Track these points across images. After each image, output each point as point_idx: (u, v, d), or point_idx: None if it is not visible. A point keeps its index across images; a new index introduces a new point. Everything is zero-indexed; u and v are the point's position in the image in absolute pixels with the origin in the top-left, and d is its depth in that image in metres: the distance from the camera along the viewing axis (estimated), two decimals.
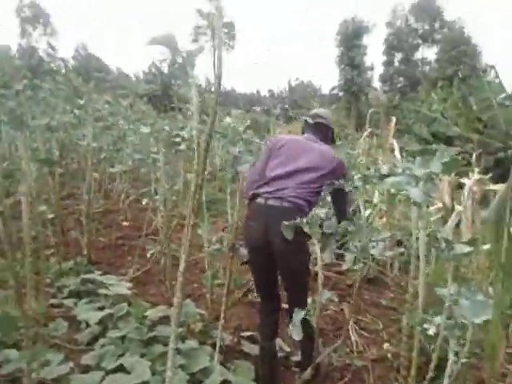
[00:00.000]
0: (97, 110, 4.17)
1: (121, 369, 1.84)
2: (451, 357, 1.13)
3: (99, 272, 3.17)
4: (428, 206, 1.62)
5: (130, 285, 2.79)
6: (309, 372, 1.97)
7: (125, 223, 4.79)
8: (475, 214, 3.19)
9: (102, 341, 2.08)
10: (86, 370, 1.95)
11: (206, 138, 1.26)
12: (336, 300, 2.58)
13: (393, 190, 2.19)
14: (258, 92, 56.30)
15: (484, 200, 3.87)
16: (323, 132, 2.34)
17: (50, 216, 3.17)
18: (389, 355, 2.59)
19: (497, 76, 9.96)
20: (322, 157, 2.14)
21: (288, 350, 2.50)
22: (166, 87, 26.63)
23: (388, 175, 1.49)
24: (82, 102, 3.28)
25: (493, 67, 10.54)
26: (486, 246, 2.67)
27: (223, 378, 1.84)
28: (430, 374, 1.44)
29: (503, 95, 9.92)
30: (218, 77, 1.20)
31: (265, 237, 1.97)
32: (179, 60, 1.38)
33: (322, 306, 2.08)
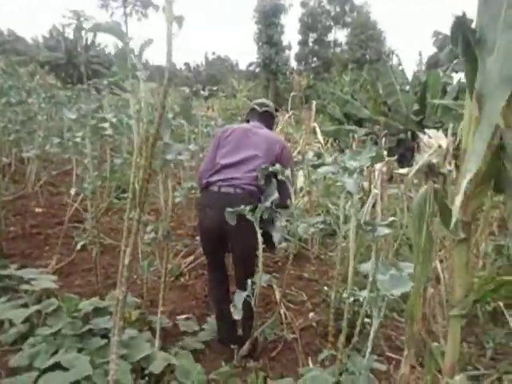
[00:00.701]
0: None
1: (57, 366, 1.77)
2: (374, 324, 1.33)
3: (14, 266, 2.93)
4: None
5: (54, 278, 2.63)
6: (247, 347, 2.12)
7: (38, 210, 4.40)
8: (384, 192, 3.60)
9: (31, 340, 1.96)
10: (16, 372, 1.84)
11: (154, 132, 1.25)
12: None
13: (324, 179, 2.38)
14: (173, 65, 54.06)
15: (390, 179, 4.37)
16: (267, 120, 2.58)
17: None
18: (314, 324, 2.86)
19: (400, 63, 10.95)
20: (268, 143, 2.32)
21: None
22: (71, 55, 24.17)
23: (320, 165, 1.64)
24: None
25: (394, 53, 11.56)
26: (391, 219, 3.05)
27: (166, 363, 1.89)
28: (355, 339, 1.67)
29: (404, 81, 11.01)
30: (169, 59, 1.18)
31: (219, 223, 2.11)
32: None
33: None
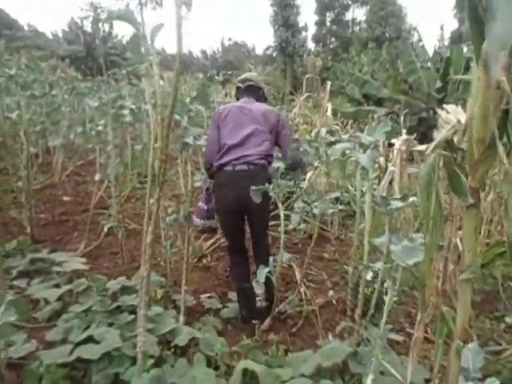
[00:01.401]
0: (20, 76, 3.84)
1: (89, 340, 1.90)
2: (389, 294, 1.36)
3: (46, 250, 3.09)
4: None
5: (83, 260, 2.77)
6: (267, 322, 2.19)
7: (65, 198, 4.59)
8: (403, 171, 3.56)
9: (65, 316, 2.10)
10: (52, 346, 1.97)
11: (168, 114, 1.30)
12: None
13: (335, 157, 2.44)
14: (190, 52, 53.95)
15: (410, 157, 4.30)
16: (255, 92, 2.66)
17: None
18: (333, 301, 2.91)
19: (420, 39, 10.58)
20: (263, 115, 2.46)
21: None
22: (89, 48, 24.49)
23: (335, 142, 1.66)
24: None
25: (415, 29, 11.19)
26: (412, 199, 3.04)
27: (191, 336, 1.98)
28: (371, 311, 1.71)
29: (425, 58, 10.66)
30: (179, 42, 1.21)
31: (239, 199, 2.26)
32: (134, 32, 1.37)
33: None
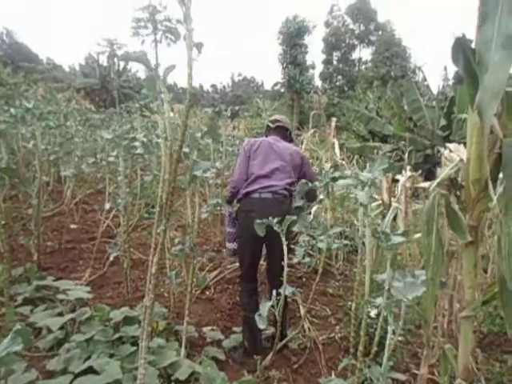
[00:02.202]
0: (37, 107, 4.00)
1: (90, 371, 1.88)
2: (390, 331, 1.36)
3: (51, 278, 3.11)
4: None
5: (88, 289, 2.77)
6: (270, 357, 2.16)
7: (73, 226, 4.65)
8: (408, 207, 3.58)
9: (66, 345, 2.09)
10: (52, 375, 1.96)
11: (177, 149, 1.37)
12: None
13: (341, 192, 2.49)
14: (201, 86, 55.74)
15: (415, 193, 4.33)
16: (283, 133, 2.90)
17: None
18: (337, 338, 2.86)
19: (425, 79, 10.88)
20: (290, 154, 2.70)
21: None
22: (104, 81, 25.43)
23: (339, 178, 1.70)
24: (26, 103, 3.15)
25: (420, 68, 11.54)
26: (417, 235, 3.04)
27: (191, 370, 1.96)
28: (374, 349, 1.69)
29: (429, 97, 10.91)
30: (190, 81, 1.30)
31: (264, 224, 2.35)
32: (146, 71, 1.47)
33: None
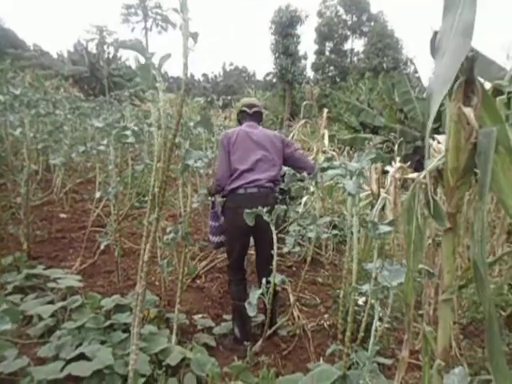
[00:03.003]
0: (25, 95, 3.94)
1: (81, 357, 1.90)
2: (376, 317, 1.40)
3: (41, 266, 3.11)
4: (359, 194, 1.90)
5: (78, 277, 2.78)
6: (260, 344, 2.20)
7: (62, 215, 4.62)
8: (397, 198, 3.64)
9: (58, 333, 2.10)
10: (44, 362, 1.98)
11: (171, 138, 1.38)
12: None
13: (330, 182, 2.52)
14: (192, 76, 55.08)
15: (404, 185, 4.40)
16: (258, 117, 2.86)
17: None
18: (326, 325, 2.92)
19: (416, 71, 10.92)
20: (270, 140, 2.66)
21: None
22: (93, 69, 24.98)
23: (328, 168, 1.73)
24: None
25: (412, 61, 11.58)
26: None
27: (182, 356, 1.99)
28: (361, 334, 1.74)
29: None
30: (185, 72, 1.31)
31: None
32: (141, 60, 1.47)
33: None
